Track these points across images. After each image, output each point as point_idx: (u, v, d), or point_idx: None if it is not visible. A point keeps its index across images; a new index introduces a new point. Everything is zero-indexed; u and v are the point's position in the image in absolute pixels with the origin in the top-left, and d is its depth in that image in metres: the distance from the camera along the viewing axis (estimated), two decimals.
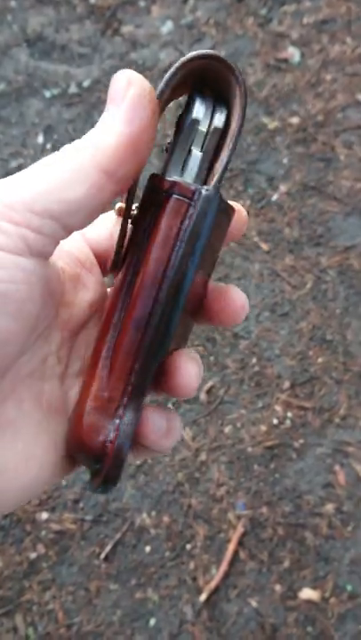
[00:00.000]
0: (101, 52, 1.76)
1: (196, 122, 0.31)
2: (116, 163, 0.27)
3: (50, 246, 0.27)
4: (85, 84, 1.71)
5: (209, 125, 0.31)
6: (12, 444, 0.28)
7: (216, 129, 0.31)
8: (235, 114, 0.30)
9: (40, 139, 1.64)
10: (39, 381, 0.30)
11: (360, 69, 1.65)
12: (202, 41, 1.74)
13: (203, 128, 0.31)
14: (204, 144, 0.31)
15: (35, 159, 1.61)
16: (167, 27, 1.78)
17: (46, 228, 0.26)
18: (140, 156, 0.27)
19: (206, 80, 0.31)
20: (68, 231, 0.27)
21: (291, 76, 1.66)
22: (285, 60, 1.68)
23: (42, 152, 1.62)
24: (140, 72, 1.65)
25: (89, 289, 0.33)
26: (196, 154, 0.31)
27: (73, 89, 1.71)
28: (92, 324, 0.33)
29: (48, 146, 1.63)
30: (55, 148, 1.63)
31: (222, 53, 1.66)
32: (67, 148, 0.27)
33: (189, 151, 0.31)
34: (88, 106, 1.68)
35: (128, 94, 0.27)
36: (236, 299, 0.32)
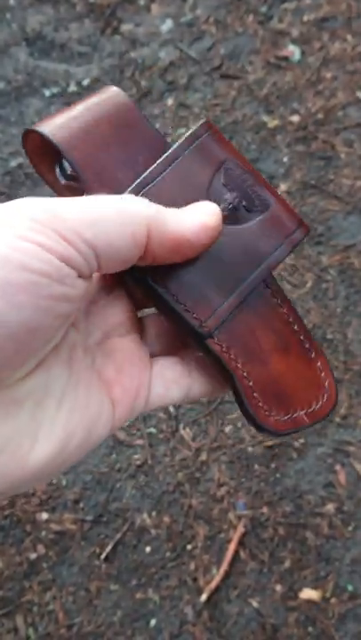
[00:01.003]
0: (101, 50, 1.75)
1: None
2: (159, 238, 0.30)
3: (86, 270, 0.28)
4: (85, 82, 1.71)
5: None
6: (59, 409, 0.30)
7: None
8: None
9: None
10: (66, 350, 0.31)
11: (360, 67, 1.64)
12: (202, 39, 1.73)
13: None
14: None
15: None
16: (167, 25, 1.77)
17: (89, 256, 0.28)
18: (172, 255, 0.31)
19: None
20: (100, 272, 0.29)
21: (291, 74, 1.65)
22: (286, 58, 1.68)
23: None
24: (140, 71, 1.65)
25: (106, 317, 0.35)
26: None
27: (73, 88, 1.70)
28: (99, 297, 0.35)
29: None
30: None
31: (222, 51, 1.65)
32: (138, 198, 0.31)
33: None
34: None
35: (207, 218, 0.31)
36: None
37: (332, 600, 1.12)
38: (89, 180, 0.33)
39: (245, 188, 0.34)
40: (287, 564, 1.16)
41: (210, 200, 0.33)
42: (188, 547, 1.18)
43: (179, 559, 1.17)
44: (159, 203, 0.31)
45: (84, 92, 1.69)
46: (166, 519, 1.20)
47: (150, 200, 0.31)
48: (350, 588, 1.13)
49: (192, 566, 1.16)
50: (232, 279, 0.33)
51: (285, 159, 1.55)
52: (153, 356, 0.36)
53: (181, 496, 1.22)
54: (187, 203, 0.32)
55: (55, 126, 0.33)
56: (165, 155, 0.33)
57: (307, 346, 0.36)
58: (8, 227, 0.26)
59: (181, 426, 1.27)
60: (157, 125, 1.63)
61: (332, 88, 1.62)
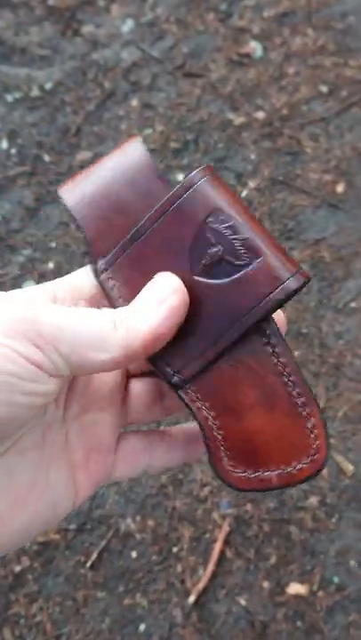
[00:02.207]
0: (62, 53, 1.73)
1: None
2: (139, 350, 0.31)
3: (57, 373, 0.29)
4: (47, 86, 1.69)
5: None
6: (7, 490, 0.30)
7: None
8: None
9: (4, 144, 1.62)
10: (40, 428, 0.32)
11: (322, 61, 1.65)
12: (163, 38, 1.72)
13: None
14: None
15: (0, 164, 1.59)
16: (128, 25, 1.76)
17: (60, 364, 0.29)
18: (152, 350, 0.31)
19: None
20: (73, 375, 0.30)
21: (254, 71, 1.65)
22: (248, 55, 1.68)
23: (7, 157, 1.60)
24: (103, 72, 1.63)
25: None
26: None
27: (35, 92, 1.68)
28: None
29: (12, 150, 1.61)
30: (20, 153, 1.60)
31: (184, 50, 1.64)
32: (105, 313, 0.31)
33: None
34: (51, 109, 1.66)
35: (170, 300, 0.32)
36: None
37: (320, 593, 1.13)
38: (92, 238, 0.35)
39: (231, 241, 0.33)
40: (273, 560, 1.16)
41: (191, 255, 0.33)
42: (174, 549, 1.17)
43: (165, 562, 1.17)
44: (146, 257, 0.32)
45: (47, 96, 1.67)
46: (151, 523, 1.20)
47: (137, 255, 0.32)
48: (336, 580, 1.14)
49: (179, 568, 1.16)
50: (210, 332, 0.33)
51: (253, 156, 1.55)
52: (132, 422, 0.38)
53: (165, 498, 1.22)
54: (171, 257, 0.32)
55: (70, 189, 0.35)
56: (156, 206, 0.33)
57: (300, 401, 0.34)
58: None
59: (162, 428, 1.27)
60: (123, 127, 1.62)
61: (295, 83, 1.63)
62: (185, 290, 0.32)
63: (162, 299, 0.31)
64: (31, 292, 0.32)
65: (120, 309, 0.31)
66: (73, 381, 0.35)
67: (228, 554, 1.17)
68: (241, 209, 0.33)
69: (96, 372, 0.30)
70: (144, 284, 0.32)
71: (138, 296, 0.32)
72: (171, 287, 0.32)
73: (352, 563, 1.15)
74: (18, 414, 0.28)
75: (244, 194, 1.50)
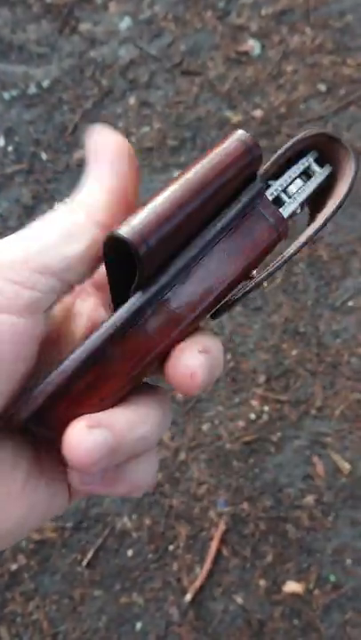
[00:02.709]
0: (60, 50, 1.73)
1: (310, 170, 0.33)
2: (109, 215, 0.28)
3: (47, 302, 0.27)
4: (45, 84, 1.68)
5: (317, 181, 0.33)
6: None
7: (324, 186, 0.34)
8: (345, 182, 0.33)
9: (1, 141, 1.61)
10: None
11: (320, 60, 1.65)
12: (161, 36, 1.72)
13: (311, 179, 0.33)
14: (305, 190, 0.33)
15: None
16: (125, 23, 1.75)
17: (44, 285, 0.26)
18: (128, 204, 0.29)
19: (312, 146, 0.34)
20: (69, 286, 0.28)
21: (252, 69, 1.65)
22: (246, 53, 1.68)
23: (4, 155, 1.59)
24: (100, 70, 1.63)
25: (83, 317, 0.33)
26: (302, 191, 0.33)
27: (32, 89, 1.68)
28: None
29: (10, 148, 1.60)
30: (17, 150, 1.60)
31: (182, 48, 1.64)
32: (60, 208, 0.29)
33: (292, 183, 0.33)
34: (49, 106, 1.65)
35: (106, 152, 0.29)
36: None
37: (316, 592, 1.13)
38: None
39: None
40: (269, 558, 1.16)
41: None
42: (171, 547, 1.17)
43: (161, 560, 1.17)
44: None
45: (44, 94, 1.67)
46: (147, 521, 1.20)
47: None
48: (333, 578, 1.14)
49: (175, 567, 1.16)
50: None
51: None
52: None
53: (162, 497, 1.21)
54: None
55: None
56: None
57: None
58: None
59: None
60: (120, 125, 1.61)
61: (293, 81, 1.63)
62: (115, 133, 0.30)
63: (100, 155, 0.29)
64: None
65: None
66: None
67: (225, 552, 1.17)
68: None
69: (88, 272, 0.28)
70: None
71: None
72: (100, 138, 0.30)
73: (348, 561, 1.15)
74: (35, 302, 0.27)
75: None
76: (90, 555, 1.17)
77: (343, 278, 1.39)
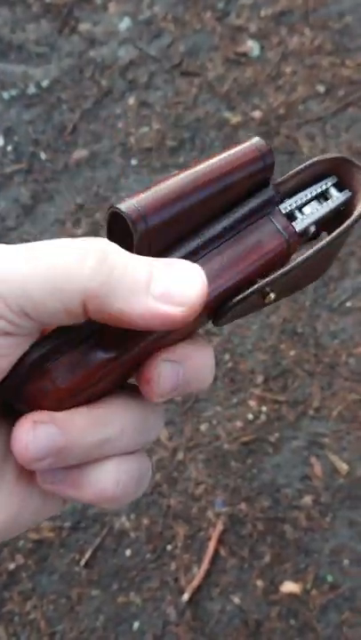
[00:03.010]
0: (59, 50, 1.73)
1: (327, 193, 0.33)
2: (101, 315, 0.25)
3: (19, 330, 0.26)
4: (44, 83, 1.69)
5: (334, 203, 0.33)
6: None
7: (340, 210, 0.33)
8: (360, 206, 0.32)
9: (0, 141, 1.61)
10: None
11: (319, 61, 1.65)
12: (161, 37, 1.72)
13: (329, 201, 0.33)
14: (319, 211, 0.33)
15: None
16: (125, 23, 1.76)
17: (20, 322, 0.25)
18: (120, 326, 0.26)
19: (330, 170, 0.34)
20: (39, 332, 0.26)
21: (251, 70, 1.65)
22: (245, 54, 1.68)
23: (3, 155, 1.59)
24: (100, 70, 1.63)
25: None
26: (316, 211, 0.33)
27: (32, 89, 1.68)
28: None
29: (9, 148, 1.60)
30: (16, 150, 1.60)
31: (181, 49, 1.64)
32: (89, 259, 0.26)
33: (307, 203, 0.33)
34: (48, 106, 1.65)
35: (176, 307, 0.25)
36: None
37: (313, 592, 1.13)
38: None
39: None
40: (267, 558, 1.16)
41: None
42: (169, 547, 1.18)
43: (159, 560, 1.17)
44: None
45: (43, 94, 1.67)
46: (145, 521, 1.20)
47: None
48: (330, 578, 1.14)
49: (173, 566, 1.16)
50: None
51: None
52: None
53: (160, 497, 1.22)
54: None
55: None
56: None
57: None
58: None
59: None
60: (119, 125, 1.62)
61: (292, 82, 1.63)
62: (204, 297, 0.26)
63: (169, 293, 0.25)
64: None
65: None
66: None
67: (223, 552, 1.17)
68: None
69: (69, 321, 0.26)
70: None
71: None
72: (192, 293, 0.26)
73: (346, 561, 1.15)
74: None
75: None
76: (88, 554, 1.17)
77: (341, 279, 1.40)
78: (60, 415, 0.27)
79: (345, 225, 0.31)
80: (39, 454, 0.26)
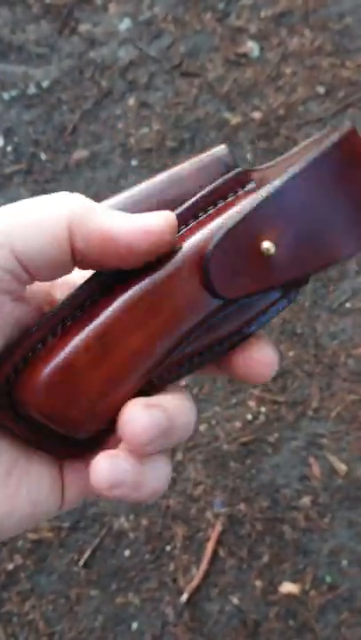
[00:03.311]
0: (59, 51, 1.73)
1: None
2: (82, 235, 0.27)
3: (15, 282, 0.27)
4: (44, 84, 1.69)
5: None
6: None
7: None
8: None
9: (0, 142, 1.61)
10: None
11: (319, 62, 1.65)
12: (161, 37, 1.72)
13: None
14: None
15: None
16: (125, 24, 1.76)
17: (12, 267, 0.26)
18: (105, 256, 0.27)
19: None
20: (32, 275, 0.27)
21: (251, 71, 1.66)
22: (245, 55, 1.68)
23: (3, 155, 1.60)
24: (100, 71, 1.63)
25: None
26: None
27: (32, 90, 1.68)
28: None
29: (9, 148, 1.60)
30: (16, 151, 1.60)
31: (181, 49, 1.64)
32: (60, 196, 0.28)
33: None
34: (48, 107, 1.65)
35: (148, 221, 0.28)
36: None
37: (312, 592, 1.13)
38: None
39: None
40: (266, 559, 1.16)
41: None
42: (167, 548, 1.18)
43: (158, 561, 1.17)
44: None
45: (43, 94, 1.67)
46: (144, 521, 1.20)
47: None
48: (329, 579, 1.15)
49: (172, 567, 1.16)
50: None
51: (249, 156, 1.55)
52: None
53: (159, 497, 1.22)
54: None
55: None
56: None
57: None
58: None
59: None
60: (120, 125, 1.62)
61: (292, 83, 1.63)
62: (172, 218, 0.28)
63: (141, 216, 0.28)
64: None
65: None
66: None
67: (221, 553, 1.17)
68: None
69: (58, 267, 0.27)
70: None
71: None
72: (161, 214, 0.28)
73: (344, 562, 1.15)
74: None
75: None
76: (87, 555, 1.17)
77: (340, 280, 1.40)
78: (157, 399, 0.28)
79: (323, 147, 0.29)
80: (153, 436, 0.26)
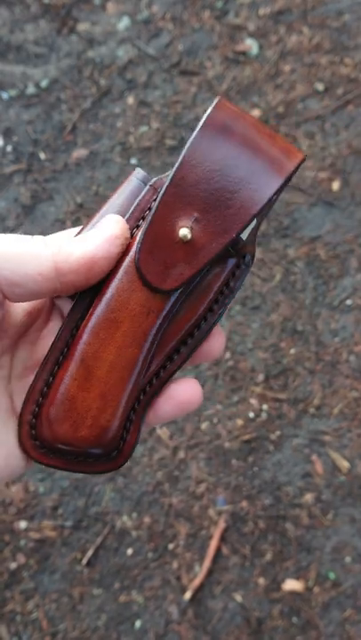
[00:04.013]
0: (58, 51, 1.73)
1: None
2: (69, 268, 0.31)
3: None
4: (43, 84, 1.69)
5: None
6: None
7: None
8: None
9: (0, 141, 1.61)
10: None
11: (318, 59, 1.65)
12: (159, 36, 1.72)
13: None
14: None
15: None
16: (123, 23, 1.76)
17: None
18: (90, 275, 0.31)
19: None
20: (8, 299, 0.31)
21: (250, 69, 1.66)
22: (244, 53, 1.68)
23: (2, 155, 1.59)
24: (99, 70, 1.63)
25: None
26: None
27: (31, 89, 1.68)
28: (32, 330, 0.35)
29: (8, 148, 1.60)
30: (16, 150, 1.60)
31: (180, 48, 1.64)
32: (38, 238, 0.32)
33: None
34: (47, 106, 1.65)
35: (110, 229, 0.31)
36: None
37: (315, 589, 1.13)
38: None
39: None
40: (269, 556, 1.16)
41: None
42: (170, 546, 1.18)
43: (161, 559, 1.17)
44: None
45: (42, 94, 1.67)
46: (147, 520, 1.20)
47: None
48: (332, 576, 1.14)
49: (175, 565, 1.16)
50: None
51: None
52: None
53: (161, 495, 1.22)
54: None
55: None
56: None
57: None
58: None
59: (158, 425, 1.27)
60: (119, 124, 1.62)
61: (290, 81, 1.63)
62: (125, 223, 0.32)
63: (102, 228, 0.32)
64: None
65: (56, 236, 0.33)
66: (17, 340, 0.35)
67: (224, 550, 1.17)
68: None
69: (36, 294, 0.31)
70: None
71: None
72: (112, 220, 0.32)
73: (347, 559, 1.15)
74: None
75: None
76: (89, 553, 1.17)
77: (341, 277, 1.40)
78: None
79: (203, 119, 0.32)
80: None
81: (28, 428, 0.32)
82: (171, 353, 0.34)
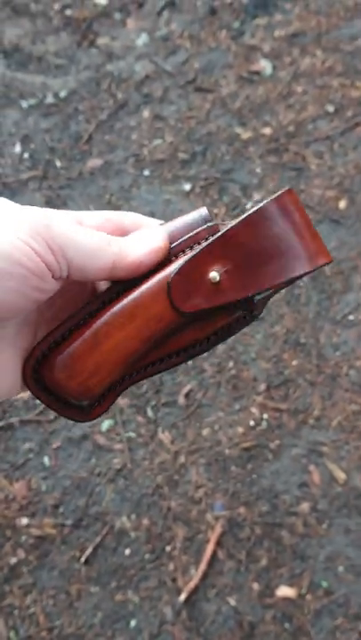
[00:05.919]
0: (77, 63, 1.78)
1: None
2: (124, 269, 0.38)
3: (59, 275, 0.36)
4: (62, 94, 1.74)
5: None
6: None
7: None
8: None
9: (17, 148, 1.66)
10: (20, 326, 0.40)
11: (329, 81, 1.70)
12: (176, 53, 1.78)
13: None
14: None
15: (12, 168, 1.63)
16: (142, 39, 1.81)
17: (64, 267, 0.36)
18: (133, 275, 0.38)
19: None
20: (70, 279, 0.37)
21: (263, 88, 1.70)
22: (258, 73, 1.73)
23: (20, 161, 1.64)
24: (116, 83, 1.68)
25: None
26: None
27: (50, 99, 1.73)
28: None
29: (25, 155, 1.65)
30: (32, 157, 1.65)
31: (196, 65, 1.69)
32: (103, 235, 0.38)
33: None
34: (65, 116, 1.70)
35: (157, 242, 0.39)
36: None
37: (308, 597, 1.15)
38: None
39: None
40: (264, 562, 1.19)
41: None
42: (167, 548, 1.20)
43: (158, 560, 1.19)
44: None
45: (60, 104, 1.72)
46: (145, 522, 1.22)
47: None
48: (325, 584, 1.17)
49: (171, 567, 1.19)
50: None
51: (258, 170, 1.59)
52: None
53: (160, 499, 1.24)
54: None
55: None
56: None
57: None
58: (13, 229, 0.33)
59: (160, 429, 1.30)
60: (133, 136, 1.66)
61: (302, 102, 1.68)
62: (167, 240, 0.39)
63: (152, 239, 0.38)
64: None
65: (117, 237, 0.39)
66: (56, 315, 0.42)
67: (220, 555, 1.19)
68: None
69: (89, 279, 0.37)
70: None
71: (134, 233, 0.39)
72: (160, 233, 0.39)
73: (341, 568, 1.17)
74: (20, 305, 0.34)
75: (248, 206, 1.54)
76: (88, 552, 1.19)
77: (344, 293, 1.43)
78: None
79: (261, 204, 0.39)
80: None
81: (34, 362, 0.39)
82: (164, 357, 0.41)
